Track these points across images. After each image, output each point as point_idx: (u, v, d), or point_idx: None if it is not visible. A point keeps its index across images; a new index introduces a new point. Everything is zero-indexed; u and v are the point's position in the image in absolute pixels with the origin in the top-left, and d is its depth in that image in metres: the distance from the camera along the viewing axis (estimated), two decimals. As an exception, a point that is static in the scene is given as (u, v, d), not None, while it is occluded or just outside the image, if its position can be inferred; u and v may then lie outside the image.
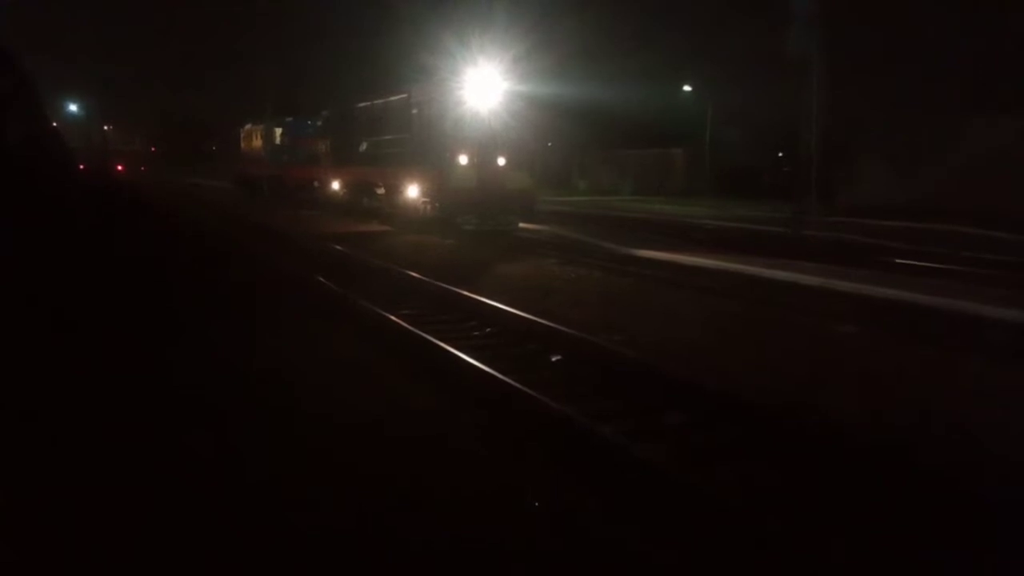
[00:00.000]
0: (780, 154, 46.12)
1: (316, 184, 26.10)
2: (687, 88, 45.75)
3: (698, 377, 6.02)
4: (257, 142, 35.53)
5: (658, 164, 46.47)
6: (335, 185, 23.86)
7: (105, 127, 66.19)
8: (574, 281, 11.99)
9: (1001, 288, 10.31)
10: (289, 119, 31.71)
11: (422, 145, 17.88)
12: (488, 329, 8.46)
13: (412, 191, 18.29)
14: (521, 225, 17.97)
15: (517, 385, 5.77)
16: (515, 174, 17.37)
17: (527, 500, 4.23)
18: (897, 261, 14.32)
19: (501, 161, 17.27)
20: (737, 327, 8.53)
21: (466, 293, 9.75)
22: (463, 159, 17.02)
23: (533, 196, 17.97)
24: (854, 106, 30.13)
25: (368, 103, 21.17)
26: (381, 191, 20.46)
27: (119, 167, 62.67)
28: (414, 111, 18.28)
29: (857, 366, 6.93)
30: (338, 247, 15.28)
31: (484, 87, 17.09)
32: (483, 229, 17.07)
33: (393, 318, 8.34)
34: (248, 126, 37.31)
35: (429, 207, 17.75)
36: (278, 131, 32.46)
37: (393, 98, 19.57)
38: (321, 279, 11.01)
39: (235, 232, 19.02)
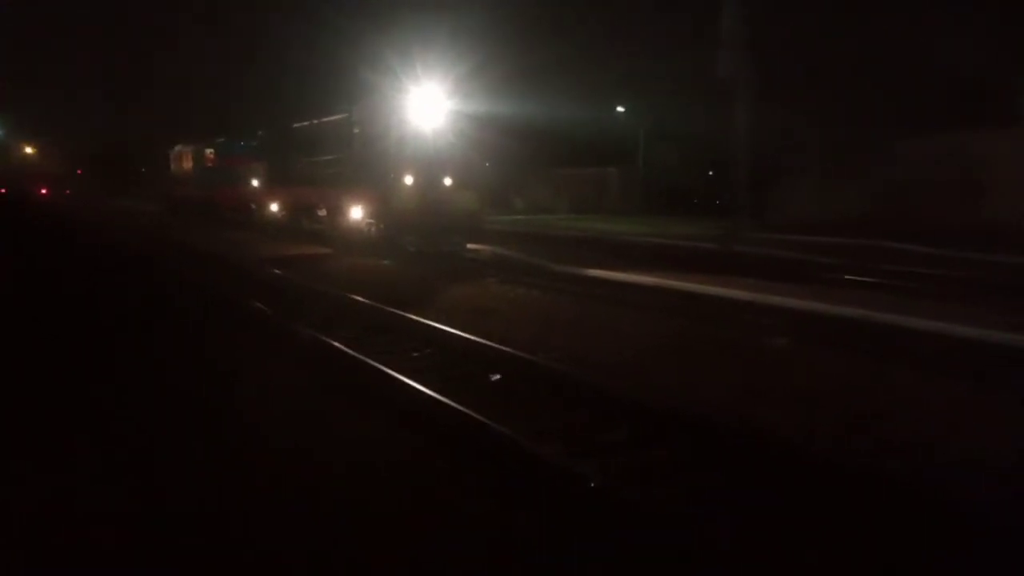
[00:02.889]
0: (711, 173, 46.78)
1: (252, 206, 25.08)
2: (620, 109, 45.91)
3: (635, 392, 6.09)
4: (187, 164, 34.29)
5: (593, 183, 46.55)
6: (273, 207, 22.93)
7: (28, 148, 63.50)
8: (514, 300, 11.67)
9: (927, 300, 10.81)
10: (220, 140, 30.71)
11: (364, 165, 17.20)
12: (428, 350, 8.12)
13: (355, 212, 17.56)
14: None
15: (454, 404, 5.57)
16: (461, 194, 16.82)
17: (462, 512, 4.21)
18: (828, 276, 14.32)
19: (447, 181, 16.70)
20: (674, 342, 8.55)
21: (412, 316, 9.32)
22: (408, 179, 16.39)
23: (480, 216, 17.44)
24: (783, 126, 30.41)
25: (307, 122, 20.38)
26: (322, 212, 19.67)
27: (43, 190, 60.12)
28: (355, 130, 17.60)
29: (788, 377, 7.02)
30: (276, 271, 14.50)
31: (428, 105, 16.52)
32: (429, 251, 16.45)
33: (335, 343, 7.82)
34: (178, 148, 36.03)
35: (373, 228, 17.05)
36: (208, 152, 31.39)
37: (333, 117, 18.84)
38: (258, 304, 10.38)
39: (166, 256, 17.94)
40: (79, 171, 75.85)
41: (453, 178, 16.73)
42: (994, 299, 10.91)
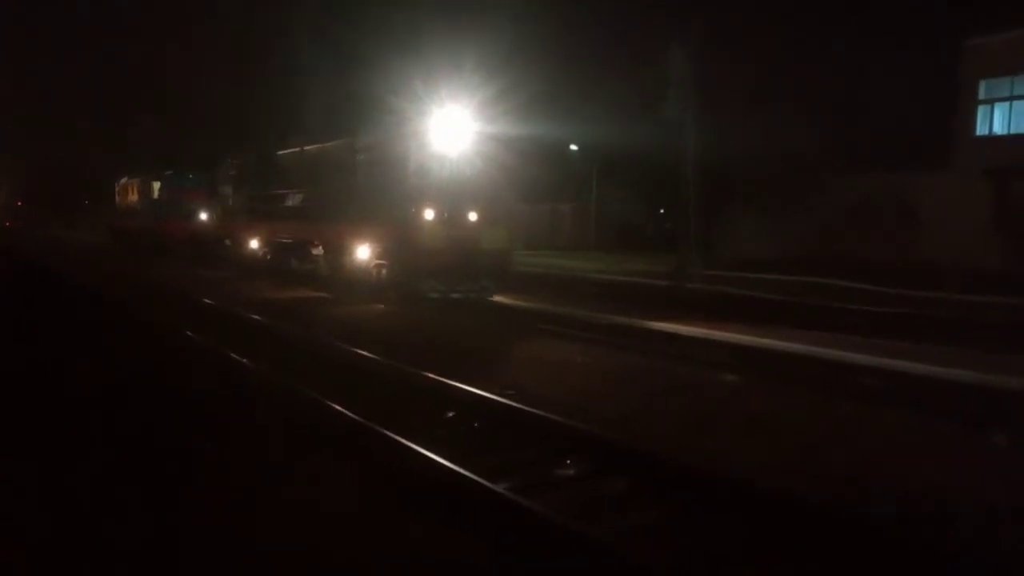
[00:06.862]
0: (661, 210, 44.96)
1: (227, 242, 21.12)
2: (573, 147, 43.83)
3: (590, 426, 5.95)
4: (134, 196, 30.43)
5: (547, 219, 44.53)
6: (253, 243, 19.03)
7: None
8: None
9: (869, 336, 10.62)
10: (169, 172, 27.67)
11: (371, 197, 13.86)
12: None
13: (361, 251, 14.13)
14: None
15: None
16: (491, 232, 13.60)
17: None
18: (772, 312, 13.57)
19: (472, 216, 13.48)
20: (628, 377, 8.06)
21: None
22: (428, 213, 13.11)
23: (510, 257, 14.24)
24: (728, 164, 28.91)
25: (297, 148, 16.85)
26: (318, 251, 16.09)
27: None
28: (360, 156, 14.25)
29: (739, 410, 6.82)
30: (256, 316, 11.63)
31: (449, 128, 13.33)
32: (452, 297, 13.20)
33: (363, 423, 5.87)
34: (124, 180, 32.09)
35: (385, 271, 13.67)
36: (156, 185, 28.19)
37: (332, 142, 15.40)
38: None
39: (131, 296, 14.09)
40: (19, 203, 68.78)
41: (481, 212, 13.52)
42: (937, 335, 10.85)
